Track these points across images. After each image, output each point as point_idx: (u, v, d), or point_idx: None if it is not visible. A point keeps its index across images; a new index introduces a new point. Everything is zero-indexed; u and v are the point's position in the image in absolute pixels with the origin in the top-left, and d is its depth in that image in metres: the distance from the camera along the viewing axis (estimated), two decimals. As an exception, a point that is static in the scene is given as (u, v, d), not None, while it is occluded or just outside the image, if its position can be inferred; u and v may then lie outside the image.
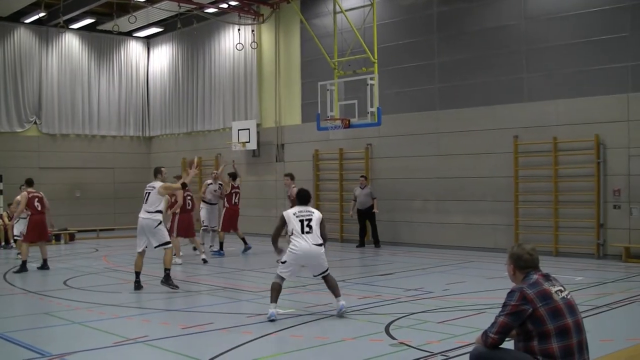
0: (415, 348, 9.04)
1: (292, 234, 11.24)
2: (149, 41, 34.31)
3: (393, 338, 9.66)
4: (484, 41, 21.33)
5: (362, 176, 22.91)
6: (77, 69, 32.04)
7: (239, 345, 9.32)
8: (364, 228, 23.11)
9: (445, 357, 8.62)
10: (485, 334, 5.96)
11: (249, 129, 27.68)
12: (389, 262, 18.79)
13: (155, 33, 33.30)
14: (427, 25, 22.66)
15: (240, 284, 15.21)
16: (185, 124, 32.06)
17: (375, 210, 22.50)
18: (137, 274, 14.61)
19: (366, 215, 22.86)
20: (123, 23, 28.68)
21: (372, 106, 19.43)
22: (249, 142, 27.62)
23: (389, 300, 12.89)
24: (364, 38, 20.71)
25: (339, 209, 25.19)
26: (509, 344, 6.00)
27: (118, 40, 33.09)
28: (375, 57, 19.99)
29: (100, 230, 28.09)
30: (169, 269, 14.63)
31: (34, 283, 15.85)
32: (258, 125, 28.01)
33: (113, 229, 29.85)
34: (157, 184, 14.62)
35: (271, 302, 11.03)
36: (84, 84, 32.22)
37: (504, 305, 5.88)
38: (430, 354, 8.77)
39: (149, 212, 14.39)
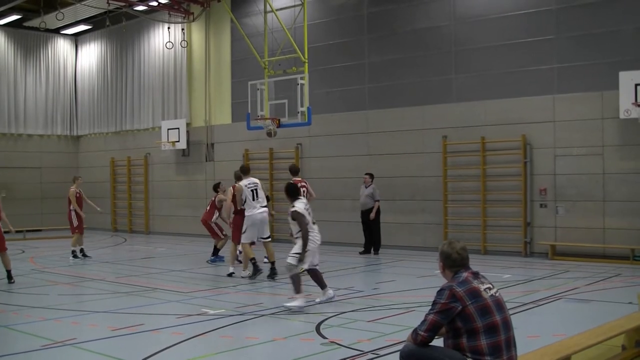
0: (346, 347, 9.07)
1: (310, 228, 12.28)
2: (77, 39, 33.75)
3: (324, 337, 9.68)
4: (413, 42, 21.54)
5: (366, 174, 20.83)
6: (2, 66, 31.37)
7: (169, 347, 9.25)
8: (367, 231, 20.86)
9: (375, 356, 8.67)
10: (415, 331, 6.00)
11: (178, 128, 27.46)
12: (319, 262, 18.80)
13: (84, 30, 32.80)
14: (358, 26, 22.78)
15: (170, 285, 15.08)
16: (114, 123, 31.64)
17: (372, 215, 20.34)
18: (253, 259, 15.42)
19: (367, 218, 20.68)
20: (50, 20, 28.20)
21: (302, 106, 19.43)
22: (178, 141, 27.40)
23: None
24: (295, 38, 20.71)
25: (269, 208, 25.10)
26: (438, 342, 6.06)
27: (45, 37, 32.49)
28: (306, 56, 19.99)
29: (27, 231, 27.56)
30: (274, 261, 15.73)
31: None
32: (188, 124, 27.80)
33: (40, 230, 29.33)
34: (258, 180, 16.29)
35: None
36: (9, 82, 31.55)
37: (434, 303, 5.93)
38: (360, 352, 8.81)
39: (263, 207, 15.88)
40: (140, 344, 9.61)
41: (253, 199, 15.76)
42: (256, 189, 15.89)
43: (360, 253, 20.75)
